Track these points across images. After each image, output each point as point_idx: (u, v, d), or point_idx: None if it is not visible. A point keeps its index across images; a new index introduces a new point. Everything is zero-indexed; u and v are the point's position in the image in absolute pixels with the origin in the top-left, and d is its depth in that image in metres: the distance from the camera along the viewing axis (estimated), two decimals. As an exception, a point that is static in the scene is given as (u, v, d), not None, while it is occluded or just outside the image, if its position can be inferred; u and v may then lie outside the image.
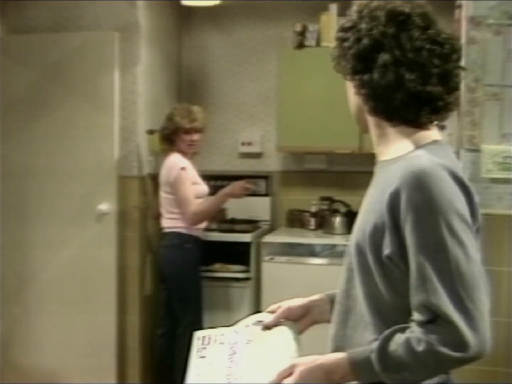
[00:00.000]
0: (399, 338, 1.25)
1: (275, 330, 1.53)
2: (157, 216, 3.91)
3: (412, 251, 1.24)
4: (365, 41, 1.33)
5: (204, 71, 4.62)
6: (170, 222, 3.76)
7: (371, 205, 1.34)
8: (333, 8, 3.98)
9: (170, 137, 3.79)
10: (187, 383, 1.45)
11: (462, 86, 2.34)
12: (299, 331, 1.56)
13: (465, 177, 1.31)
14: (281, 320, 1.54)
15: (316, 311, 1.59)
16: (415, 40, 1.32)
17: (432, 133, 1.39)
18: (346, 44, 1.37)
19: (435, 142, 1.37)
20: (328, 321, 1.57)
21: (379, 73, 1.32)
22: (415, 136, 1.36)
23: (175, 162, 3.72)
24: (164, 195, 3.78)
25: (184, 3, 4.29)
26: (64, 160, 3.93)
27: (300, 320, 1.57)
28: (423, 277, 1.22)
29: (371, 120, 1.42)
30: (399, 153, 1.35)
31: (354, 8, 1.39)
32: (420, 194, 1.23)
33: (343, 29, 1.39)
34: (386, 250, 1.27)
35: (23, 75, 3.99)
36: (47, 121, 3.95)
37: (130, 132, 3.93)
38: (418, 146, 1.34)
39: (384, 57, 1.31)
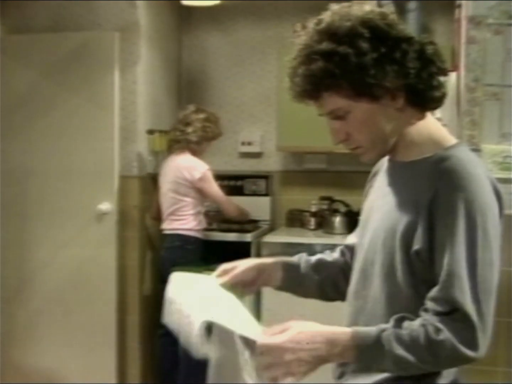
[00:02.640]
0: (411, 324, 1.24)
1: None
2: (157, 217, 3.91)
3: (446, 246, 1.23)
4: (380, 49, 1.28)
5: (204, 71, 4.62)
6: (173, 224, 3.76)
7: (400, 205, 1.33)
8: (333, 8, 3.98)
9: (194, 141, 3.81)
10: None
11: (462, 85, 2.34)
12: (249, 291, 1.58)
13: (496, 181, 1.32)
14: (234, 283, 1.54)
15: (266, 274, 1.59)
16: (404, 31, 1.33)
17: (451, 136, 1.40)
18: (352, 60, 1.27)
19: (459, 143, 1.38)
20: (277, 287, 1.60)
21: (414, 59, 1.30)
22: (437, 137, 1.37)
23: (195, 163, 3.76)
24: (171, 195, 3.77)
25: (184, 3, 4.29)
26: (64, 159, 3.93)
27: (252, 281, 1.57)
28: (452, 273, 1.23)
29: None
30: (427, 153, 1.34)
31: (322, 27, 1.33)
32: (462, 193, 1.23)
33: (327, 53, 1.29)
34: (417, 245, 1.27)
35: (23, 75, 3.99)
36: (47, 120, 3.95)
37: (130, 132, 3.93)
38: (446, 146, 1.34)
39: (408, 47, 1.30)
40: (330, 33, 1.30)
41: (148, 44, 4.03)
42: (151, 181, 4.05)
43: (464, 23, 2.33)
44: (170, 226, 3.78)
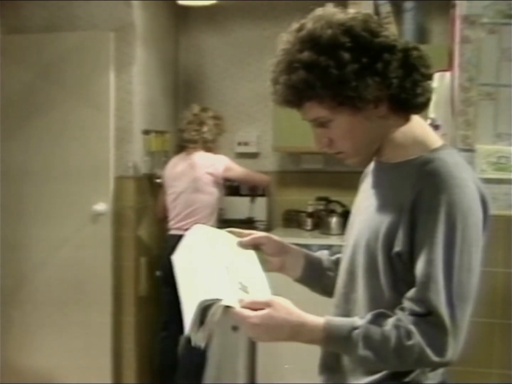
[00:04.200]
0: (386, 323, 1.24)
1: (247, 253, 1.49)
2: (163, 218, 3.89)
3: (424, 248, 1.23)
4: (363, 59, 1.27)
5: (201, 71, 4.61)
6: (190, 225, 3.71)
7: (384, 206, 1.33)
8: (330, 7, 3.97)
9: (210, 139, 3.88)
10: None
11: (456, 85, 2.33)
12: (271, 267, 1.52)
13: (482, 185, 1.32)
14: (252, 245, 1.51)
15: (290, 259, 1.56)
16: (387, 38, 1.31)
17: (437, 137, 1.38)
18: (333, 72, 1.25)
19: (445, 145, 1.37)
20: (296, 278, 1.56)
21: (397, 68, 1.29)
22: (422, 140, 1.36)
23: (216, 157, 3.85)
24: (188, 195, 3.77)
25: (181, 2, 4.27)
26: (59, 160, 3.93)
27: (272, 257, 1.54)
28: (429, 275, 1.22)
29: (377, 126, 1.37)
30: (412, 156, 1.33)
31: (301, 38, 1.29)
32: (444, 196, 1.22)
33: (308, 64, 1.26)
34: (398, 247, 1.26)
35: (18, 75, 3.98)
36: (42, 121, 3.94)
37: (125, 132, 3.92)
38: (431, 149, 1.33)
39: (390, 57, 1.28)
40: (311, 42, 1.27)
41: (144, 44, 4.02)
42: (147, 182, 4.04)
43: (458, 23, 2.32)
44: (187, 227, 3.72)
